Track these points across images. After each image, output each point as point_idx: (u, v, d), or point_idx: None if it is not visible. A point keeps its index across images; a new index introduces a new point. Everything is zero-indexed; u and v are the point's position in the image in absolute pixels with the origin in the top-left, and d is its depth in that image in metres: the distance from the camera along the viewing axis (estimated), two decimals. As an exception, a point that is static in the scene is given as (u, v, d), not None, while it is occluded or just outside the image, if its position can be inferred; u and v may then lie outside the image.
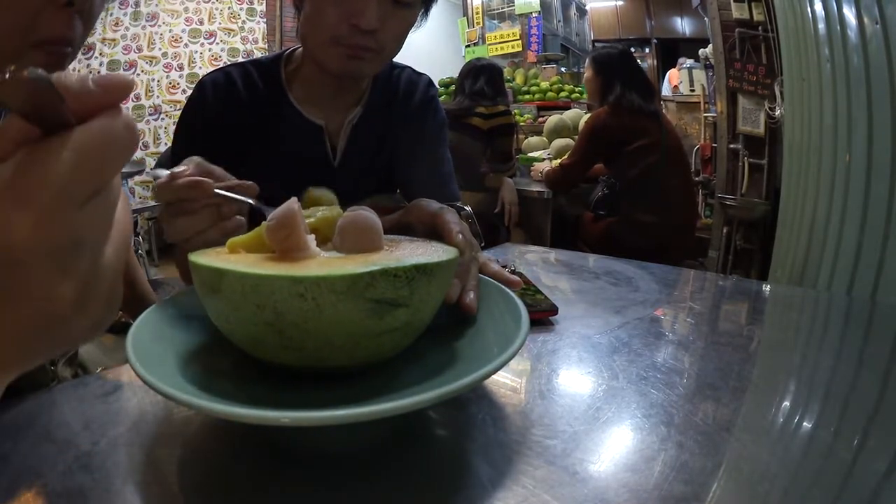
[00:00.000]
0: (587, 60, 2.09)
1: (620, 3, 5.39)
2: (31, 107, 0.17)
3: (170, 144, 0.83)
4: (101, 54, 4.09)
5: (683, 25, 5.15)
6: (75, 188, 0.18)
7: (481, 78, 2.10)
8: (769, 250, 2.03)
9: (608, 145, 1.93)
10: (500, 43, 4.32)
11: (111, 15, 4.13)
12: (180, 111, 0.71)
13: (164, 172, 0.43)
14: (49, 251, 0.18)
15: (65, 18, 0.38)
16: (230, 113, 0.69)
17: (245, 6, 4.64)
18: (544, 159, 2.42)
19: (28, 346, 0.20)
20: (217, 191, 0.42)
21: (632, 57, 2.06)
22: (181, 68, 4.44)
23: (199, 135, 0.68)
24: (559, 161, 2.16)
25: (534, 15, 4.19)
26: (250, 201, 0.44)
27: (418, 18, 0.68)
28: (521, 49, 4.22)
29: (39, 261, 0.18)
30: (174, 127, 0.72)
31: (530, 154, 2.60)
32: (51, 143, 0.18)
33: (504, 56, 4.25)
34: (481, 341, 0.36)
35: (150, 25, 4.33)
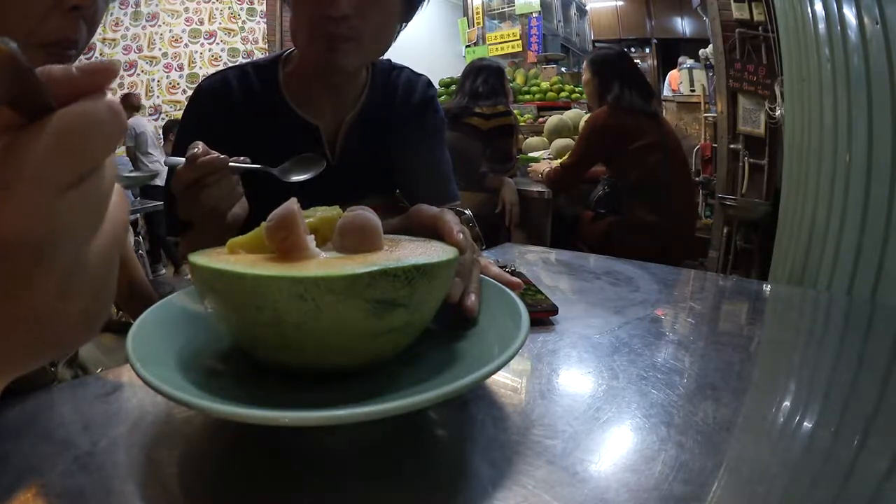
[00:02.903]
0: (584, 64, 2.09)
1: (620, 3, 5.40)
2: (10, 87, 0.17)
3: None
4: (101, 54, 4.09)
5: (683, 25, 5.16)
6: (54, 174, 0.17)
7: (480, 77, 2.10)
8: (769, 250, 2.03)
9: (608, 145, 1.93)
10: (500, 43, 4.32)
11: (111, 15, 4.14)
12: (181, 111, 0.71)
13: (180, 160, 0.51)
14: (27, 240, 0.17)
15: (71, 22, 0.38)
16: (226, 116, 0.69)
17: (245, 6, 4.64)
18: (544, 159, 2.42)
19: (14, 342, 0.19)
20: (230, 164, 0.51)
21: (629, 58, 2.06)
22: (181, 68, 4.44)
23: (197, 139, 0.69)
24: (559, 161, 2.16)
25: (534, 15, 4.19)
26: (256, 167, 0.54)
27: (404, 10, 0.67)
28: (521, 49, 4.22)
29: (17, 250, 0.17)
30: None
31: (530, 154, 2.60)
32: (30, 128, 0.17)
33: (504, 56, 4.25)
34: (481, 341, 0.36)
35: (151, 25, 4.33)
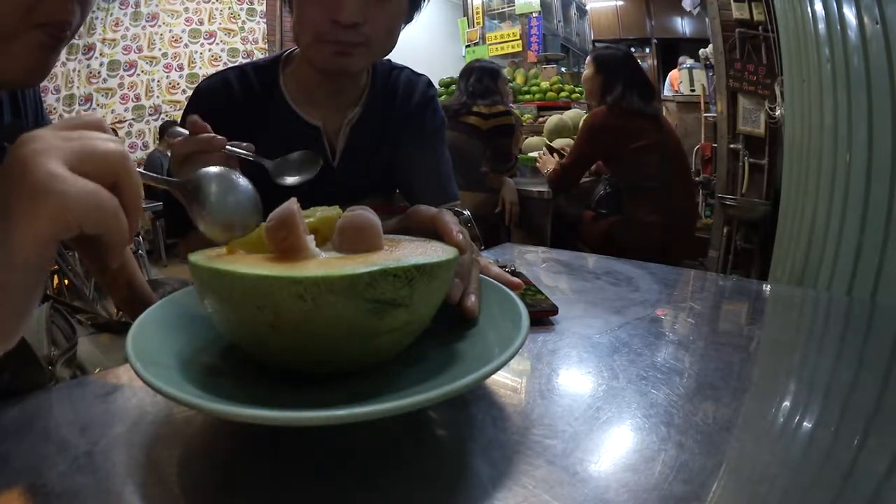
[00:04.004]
0: (588, 58, 2.08)
1: (620, 3, 5.40)
2: None
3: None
4: (101, 54, 4.09)
5: (683, 25, 5.16)
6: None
7: (473, 77, 2.11)
8: (769, 250, 2.03)
9: (606, 145, 1.93)
10: (500, 43, 4.32)
11: (111, 15, 4.14)
12: (181, 111, 0.71)
13: (183, 130, 0.52)
14: None
15: (65, 3, 0.40)
16: (226, 117, 0.69)
17: (245, 6, 4.63)
18: (546, 155, 2.41)
19: None
20: (227, 146, 0.51)
21: (634, 59, 2.06)
22: (181, 68, 4.44)
23: None
24: (560, 161, 2.16)
25: (534, 15, 4.19)
26: (250, 156, 0.53)
27: (408, 10, 0.67)
28: (521, 49, 4.22)
29: None
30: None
31: (530, 154, 2.60)
32: None
33: (504, 56, 4.25)
34: (481, 341, 0.36)
35: (151, 26, 4.33)
